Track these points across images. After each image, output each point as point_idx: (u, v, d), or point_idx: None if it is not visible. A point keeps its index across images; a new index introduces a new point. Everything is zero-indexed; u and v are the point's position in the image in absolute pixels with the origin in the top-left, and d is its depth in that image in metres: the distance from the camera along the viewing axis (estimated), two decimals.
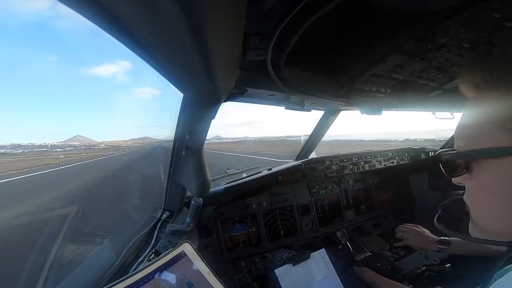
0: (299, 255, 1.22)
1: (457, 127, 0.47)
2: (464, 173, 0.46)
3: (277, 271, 1.16)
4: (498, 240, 0.43)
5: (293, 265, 1.18)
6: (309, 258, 1.20)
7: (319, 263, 1.18)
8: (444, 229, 0.52)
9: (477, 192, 0.46)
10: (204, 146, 1.03)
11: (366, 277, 1.20)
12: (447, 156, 0.48)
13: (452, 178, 0.49)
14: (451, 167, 0.48)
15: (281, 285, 1.11)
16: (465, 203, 0.50)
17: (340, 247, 1.50)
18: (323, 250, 1.23)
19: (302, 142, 2.02)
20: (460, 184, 0.49)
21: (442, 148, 2.18)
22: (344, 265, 1.24)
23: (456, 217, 0.56)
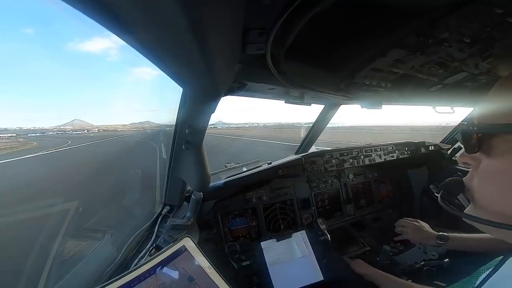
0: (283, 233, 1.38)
1: (484, 103, 0.46)
2: (479, 151, 0.44)
3: (263, 243, 1.32)
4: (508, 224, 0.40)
5: (277, 241, 1.34)
6: (291, 237, 1.36)
7: (300, 243, 1.34)
8: (449, 209, 0.51)
9: (490, 172, 0.44)
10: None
11: (360, 270, 1.21)
12: (471, 128, 0.45)
13: (461, 159, 0.49)
14: (471, 143, 0.45)
15: (265, 257, 1.26)
16: (463, 185, 0.49)
17: (319, 233, 1.48)
18: (303, 231, 1.38)
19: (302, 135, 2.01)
20: (466, 166, 0.48)
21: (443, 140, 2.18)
22: (323, 251, 1.35)
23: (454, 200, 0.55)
